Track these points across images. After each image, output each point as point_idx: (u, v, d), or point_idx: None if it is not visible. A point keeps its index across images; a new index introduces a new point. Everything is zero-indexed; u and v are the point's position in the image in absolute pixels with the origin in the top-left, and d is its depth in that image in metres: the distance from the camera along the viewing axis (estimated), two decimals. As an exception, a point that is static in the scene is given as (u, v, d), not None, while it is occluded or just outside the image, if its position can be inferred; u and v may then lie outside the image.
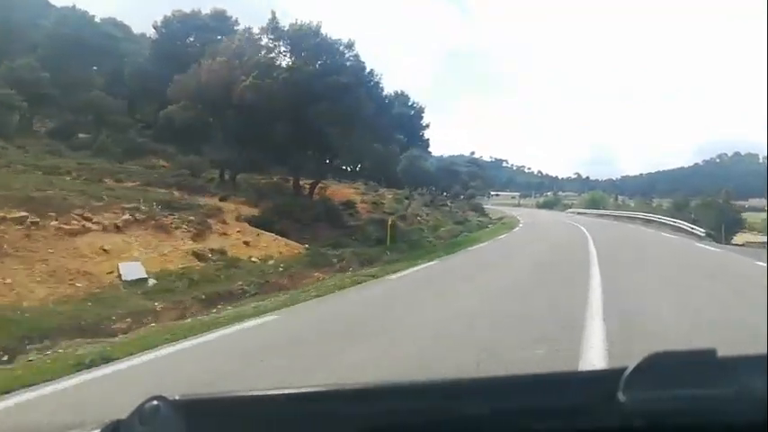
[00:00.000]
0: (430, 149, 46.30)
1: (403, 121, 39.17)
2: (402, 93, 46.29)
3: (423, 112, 47.53)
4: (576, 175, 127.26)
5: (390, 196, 31.09)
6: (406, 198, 31.06)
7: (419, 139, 45.20)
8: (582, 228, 25.93)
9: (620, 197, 76.78)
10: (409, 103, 46.27)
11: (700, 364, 0.61)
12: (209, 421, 0.63)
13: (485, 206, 59.39)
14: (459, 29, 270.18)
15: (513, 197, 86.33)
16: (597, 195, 67.33)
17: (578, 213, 51.59)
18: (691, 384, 0.59)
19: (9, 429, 2.92)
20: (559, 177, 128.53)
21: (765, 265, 10.30)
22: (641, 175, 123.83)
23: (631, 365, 0.60)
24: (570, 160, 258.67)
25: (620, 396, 0.58)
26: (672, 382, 0.59)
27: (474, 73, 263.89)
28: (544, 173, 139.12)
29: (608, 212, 46.85)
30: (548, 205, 75.03)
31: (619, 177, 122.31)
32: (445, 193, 47.67)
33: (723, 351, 0.60)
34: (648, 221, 33.37)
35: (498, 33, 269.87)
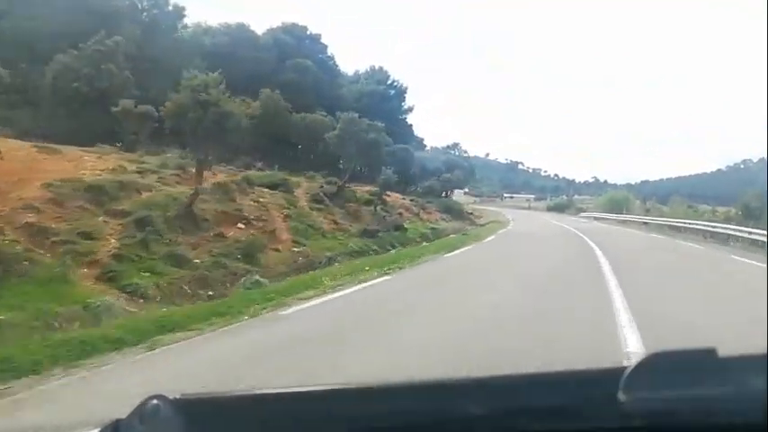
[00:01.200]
0: (425, 143, 41.27)
1: (375, 101, 33.67)
2: (379, 68, 38.23)
3: (405, 93, 40.17)
4: (593, 179, 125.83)
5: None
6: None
7: (400, 123, 37.30)
8: (595, 250, 14.56)
9: (647, 201, 56.84)
10: (388, 82, 38.23)
11: (700, 363, 0.61)
12: (209, 421, 0.63)
13: (483, 207, 55.83)
14: (475, 20, 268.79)
15: (528, 200, 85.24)
16: (619, 196, 52.62)
17: (594, 219, 40.70)
18: (691, 384, 0.59)
19: (9, 429, 2.90)
20: (576, 180, 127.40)
21: None
22: (662, 179, 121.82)
23: (631, 365, 0.60)
24: (587, 164, 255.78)
25: (621, 396, 0.58)
26: (672, 382, 0.59)
27: (490, 73, 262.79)
28: (561, 176, 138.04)
29: (636, 218, 33.67)
30: (558, 208, 69.31)
31: (638, 182, 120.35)
32: (417, 188, 42.55)
33: (723, 351, 0.60)
34: (712, 236, 20.90)
35: (518, 26, 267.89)
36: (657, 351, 0.61)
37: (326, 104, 31.05)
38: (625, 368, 0.60)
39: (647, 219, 32.14)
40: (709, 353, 0.60)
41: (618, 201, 47.93)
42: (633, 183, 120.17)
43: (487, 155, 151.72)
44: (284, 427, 0.63)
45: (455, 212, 32.67)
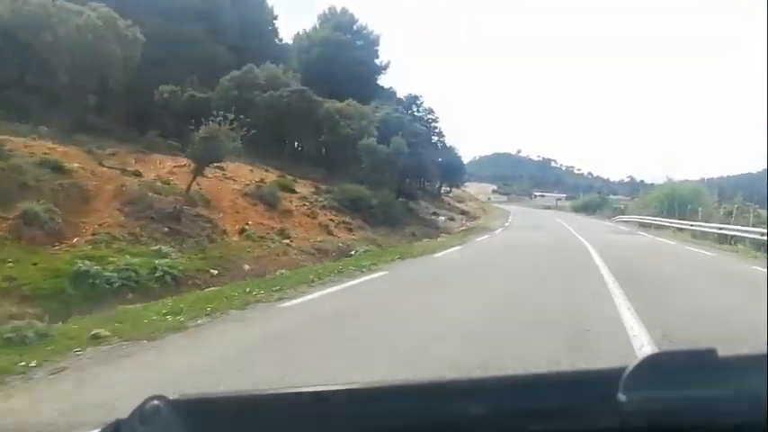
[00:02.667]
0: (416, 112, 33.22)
1: (332, 54, 25.18)
2: (342, 11, 27.00)
3: (377, 45, 29.04)
4: (628, 178, 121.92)
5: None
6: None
7: (370, 85, 27.75)
8: None
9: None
10: (354, 27, 27.80)
11: (700, 363, 0.61)
12: (209, 421, 0.63)
13: (504, 207, 55.05)
14: (504, 19, 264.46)
15: (559, 199, 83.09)
16: (684, 189, 32.27)
17: (640, 226, 28.31)
18: (691, 384, 0.59)
19: (9, 429, 2.89)
20: (611, 180, 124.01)
21: None
22: (703, 179, 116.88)
23: (631, 365, 0.60)
24: (622, 162, 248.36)
25: (620, 396, 0.58)
26: (672, 381, 0.59)
27: (520, 68, 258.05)
28: (595, 174, 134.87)
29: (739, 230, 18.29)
30: (589, 208, 58.03)
31: (677, 182, 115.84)
32: (427, 183, 40.13)
33: (723, 351, 0.60)
34: None
35: (541, 26, 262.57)
36: (657, 351, 0.62)
37: (253, 56, 22.94)
38: (625, 368, 0.60)
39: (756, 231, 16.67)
40: (710, 353, 0.60)
41: (684, 197, 29.34)
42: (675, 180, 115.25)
43: (519, 151, 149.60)
44: (284, 427, 0.63)
45: (417, 218, 26.53)
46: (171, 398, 0.61)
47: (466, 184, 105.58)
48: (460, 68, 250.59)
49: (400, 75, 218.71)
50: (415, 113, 35.98)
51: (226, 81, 22.13)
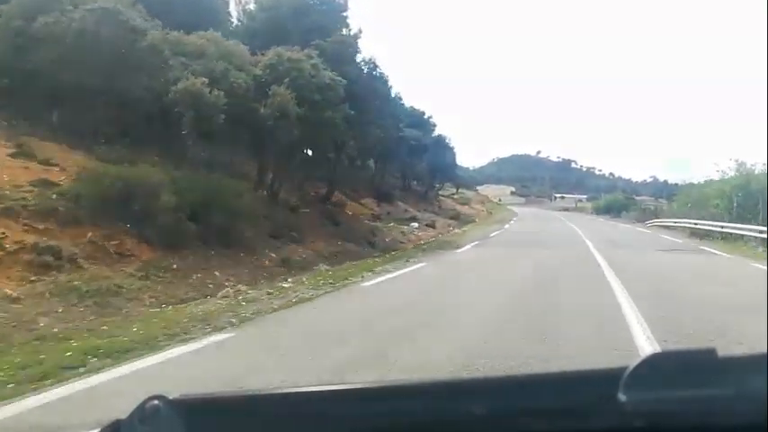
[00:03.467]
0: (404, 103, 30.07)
1: (284, 19, 17.65)
2: None
3: (344, 11, 20.72)
4: (651, 179, 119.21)
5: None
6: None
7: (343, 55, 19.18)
8: None
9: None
10: None
11: (700, 364, 0.61)
12: (209, 421, 0.63)
13: (519, 209, 53.40)
14: (527, 19, 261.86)
15: (580, 200, 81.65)
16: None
17: (717, 233, 19.19)
18: (691, 384, 0.59)
19: (9, 429, 2.83)
20: (633, 180, 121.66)
21: None
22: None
23: (631, 365, 0.60)
24: (645, 162, 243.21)
25: (620, 396, 0.58)
26: (672, 382, 0.59)
27: (537, 67, 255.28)
28: (617, 175, 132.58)
29: None
30: (612, 209, 50.29)
31: (703, 182, 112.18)
32: (415, 182, 38.48)
33: (723, 351, 0.61)
34: None
35: (563, 26, 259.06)
36: (657, 351, 0.62)
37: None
38: (625, 368, 0.60)
39: None
40: (710, 353, 0.60)
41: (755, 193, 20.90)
42: (699, 183, 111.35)
43: (538, 152, 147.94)
44: (284, 427, 0.64)
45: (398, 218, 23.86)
46: (171, 398, 0.62)
47: (484, 185, 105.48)
48: (474, 65, 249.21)
49: (399, 63, 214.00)
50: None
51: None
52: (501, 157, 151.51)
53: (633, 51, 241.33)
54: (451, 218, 32.14)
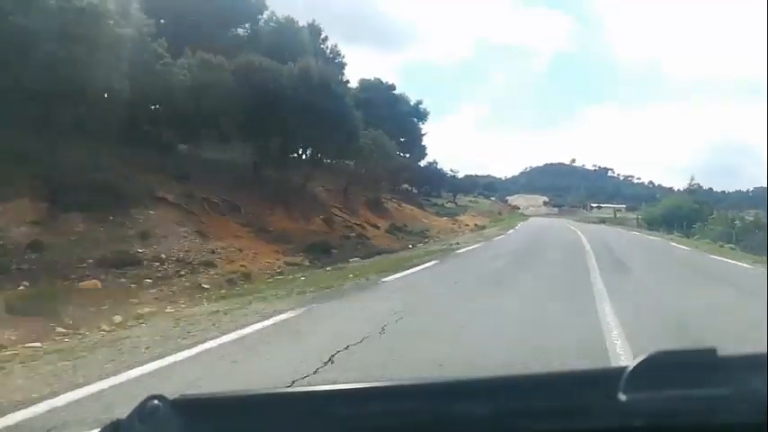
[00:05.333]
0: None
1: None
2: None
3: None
4: (695, 186, 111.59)
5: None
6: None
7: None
8: None
9: None
10: None
11: (700, 363, 0.61)
12: (208, 421, 0.63)
13: (550, 221, 44.62)
14: (560, 32, 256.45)
15: (619, 210, 75.22)
16: None
17: None
18: (691, 384, 0.59)
19: (9, 429, 2.76)
20: (674, 189, 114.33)
21: None
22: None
23: (631, 365, 0.60)
24: (686, 169, 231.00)
25: (621, 396, 0.58)
26: (672, 381, 0.59)
27: (574, 75, 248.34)
28: (656, 183, 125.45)
29: None
30: (672, 222, 32.15)
31: (751, 189, 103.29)
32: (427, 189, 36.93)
33: (723, 351, 0.60)
34: None
35: (599, 31, 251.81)
36: (657, 351, 0.61)
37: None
38: (625, 368, 0.60)
39: None
40: (710, 353, 0.61)
41: None
42: (746, 190, 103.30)
43: (573, 161, 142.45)
44: (284, 427, 0.63)
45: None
46: (170, 398, 0.62)
47: (515, 195, 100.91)
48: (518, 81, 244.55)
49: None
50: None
51: None
52: (534, 166, 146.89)
53: (669, 52, 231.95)
54: (419, 234, 23.94)
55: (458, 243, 17.88)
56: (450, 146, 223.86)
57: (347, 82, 28.33)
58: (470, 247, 15.57)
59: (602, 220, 53.54)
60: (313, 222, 18.66)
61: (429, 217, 34.18)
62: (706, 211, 34.26)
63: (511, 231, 26.49)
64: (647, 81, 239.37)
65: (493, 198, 77.81)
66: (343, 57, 30.02)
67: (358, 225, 21.25)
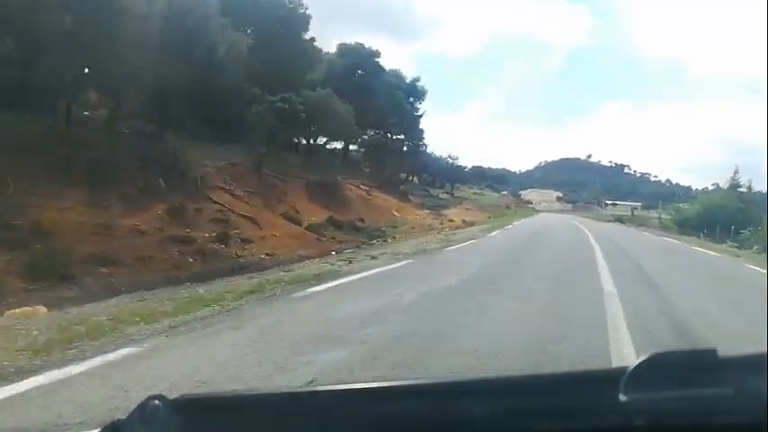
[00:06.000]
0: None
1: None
2: None
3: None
4: (714, 186, 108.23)
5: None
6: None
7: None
8: None
9: None
10: None
11: (700, 363, 0.61)
12: (209, 421, 0.63)
13: (558, 216, 40.99)
14: (579, 26, 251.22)
15: (635, 208, 72.60)
16: None
17: None
18: (691, 384, 0.59)
19: (9, 429, 2.63)
20: (693, 188, 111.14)
21: None
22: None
23: (632, 365, 0.60)
24: (707, 168, 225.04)
25: (621, 396, 0.58)
26: (672, 381, 0.59)
27: (591, 70, 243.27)
28: (674, 181, 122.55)
29: None
30: (709, 224, 26.26)
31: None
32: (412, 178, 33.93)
33: (723, 351, 0.60)
34: None
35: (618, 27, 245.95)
36: (657, 351, 0.61)
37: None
38: (625, 368, 0.60)
39: None
40: (710, 353, 0.60)
41: None
42: None
43: (589, 156, 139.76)
44: (284, 427, 0.64)
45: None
46: (170, 398, 0.62)
47: (528, 189, 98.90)
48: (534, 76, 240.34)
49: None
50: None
51: None
52: (549, 160, 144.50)
53: (689, 48, 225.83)
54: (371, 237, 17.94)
55: (380, 255, 10.55)
56: (463, 138, 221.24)
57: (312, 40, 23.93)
58: (366, 274, 7.86)
59: (619, 219, 47.17)
60: (148, 214, 12.26)
61: (406, 210, 28.49)
62: (755, 212, 26.30)
63: (495, 233, 18.75)
64: (665, 77, 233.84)
65: (504, 191, 75.87)
66: (307, 8, 25.01)
67: (247, 218, 14.40)
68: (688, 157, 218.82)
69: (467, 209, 37.44)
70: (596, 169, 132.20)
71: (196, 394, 0.71)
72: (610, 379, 0.59)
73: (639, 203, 76.74)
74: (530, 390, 0.64)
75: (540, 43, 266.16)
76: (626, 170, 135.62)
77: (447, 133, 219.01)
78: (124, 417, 0.61)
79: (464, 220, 27.06)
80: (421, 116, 39.60)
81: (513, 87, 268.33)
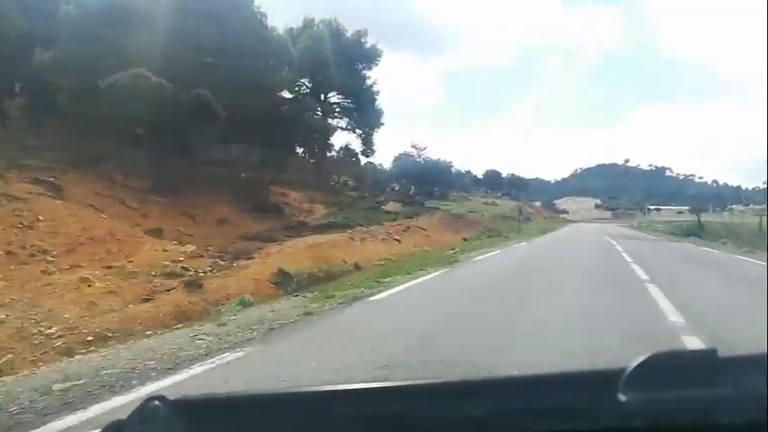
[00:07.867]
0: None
1: None
2: None
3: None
4: (765, 185, 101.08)
5: None
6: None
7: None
8: None
9: None
10: None
11: (700, 363, 0.61)
12: (209, 421, 0.63)
13: (587, 226, 35.19)
14: (609, 30, 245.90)
15: (681, 212, 67.19)
16: None
17: None
18: (691, 384, 0.59)
19: (8, 428, 2.73)
20: (743, 188, 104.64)
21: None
22: None
23: (631, 365, 0.60)
24: (755, 166, 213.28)
25: (621, 396, 0.58)
26: (672, 382, 0.59)
27: (624, 74, 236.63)
28: (721, 182, 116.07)
29: None
30: None
31: None
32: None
33: (723, 351, 0.60)
34: None
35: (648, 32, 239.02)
36: (657, 351, 0.61)
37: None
38: (625, 368, 0.60)
39: None
40: (710, 353, 0.61)
41: None
42: None
43: (627, 161, 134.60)
44: (284, 427, 0.64)
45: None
46: (170, 398, 0.62)
47: (564, 198, 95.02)
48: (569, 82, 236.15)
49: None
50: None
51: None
52: (585, 167, 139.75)
53: (725, 48, 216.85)
54: None
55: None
56: (496, 150, 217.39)
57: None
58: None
59: (686, 232, 28.45)
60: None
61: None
62: None
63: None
64: (700, 77, 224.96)
65: (530, 200, 71.05)
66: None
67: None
68: (733, 156, 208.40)
69: (439, 221, 25.37)
70: (635, 174, 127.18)
71: (197, 394, 0.64)
72: (609, 379, 0.59)
73: (687, 207, 71.55)
74: (530, 390, 0.65)
75: (570, 49, 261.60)
76: (667, 173, 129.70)
77: (479, 146, 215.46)
78: (124, 417, 0.61)
79: (417, 246, 16.59)
80: (372, 86, 29.72)
81: (544, 96, 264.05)
